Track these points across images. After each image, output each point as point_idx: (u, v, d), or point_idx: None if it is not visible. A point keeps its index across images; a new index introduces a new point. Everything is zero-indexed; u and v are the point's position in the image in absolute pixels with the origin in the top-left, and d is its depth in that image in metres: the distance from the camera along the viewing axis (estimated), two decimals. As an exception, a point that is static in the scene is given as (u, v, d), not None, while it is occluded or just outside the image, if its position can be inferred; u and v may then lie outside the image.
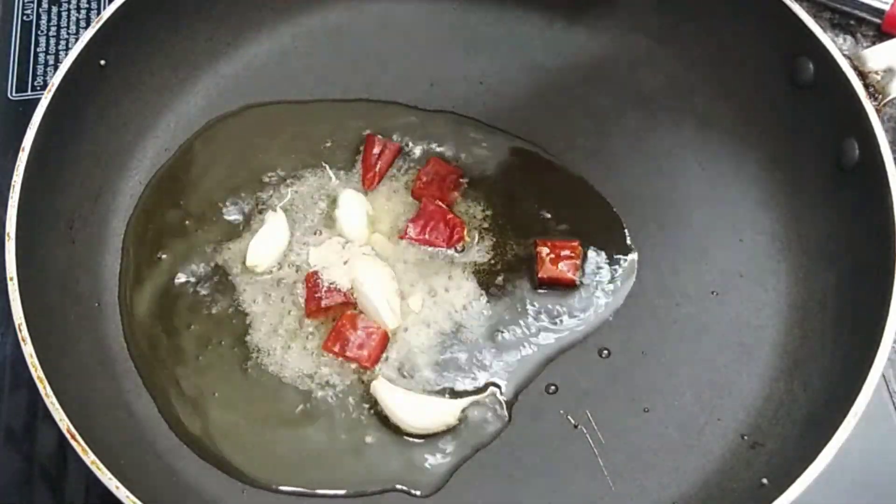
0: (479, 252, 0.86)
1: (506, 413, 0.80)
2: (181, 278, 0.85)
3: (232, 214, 0.88)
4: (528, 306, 0.84)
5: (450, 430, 0.79)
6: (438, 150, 0.91)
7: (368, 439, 0.79)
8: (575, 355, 0.82)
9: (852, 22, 1.04)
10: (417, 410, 0.78)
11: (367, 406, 0.80)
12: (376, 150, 0.90)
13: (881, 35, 1.03)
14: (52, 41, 1.04)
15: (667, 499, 0.77)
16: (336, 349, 0.81)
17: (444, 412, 0.78)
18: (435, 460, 0.78)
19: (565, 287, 0.84)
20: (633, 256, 0.86)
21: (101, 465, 0.68)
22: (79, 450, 0.69)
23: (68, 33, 1.05)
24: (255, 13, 0.96)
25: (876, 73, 0.82)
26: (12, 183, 0.78)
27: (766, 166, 0.89)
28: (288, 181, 0.90)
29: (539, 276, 0.84)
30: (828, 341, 0.79)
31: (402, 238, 0.86)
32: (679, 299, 0.85)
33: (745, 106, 0.91)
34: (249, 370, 0.81)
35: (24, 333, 0.72)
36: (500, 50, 0.97)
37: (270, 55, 0.97)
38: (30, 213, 0.78)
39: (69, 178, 0.85)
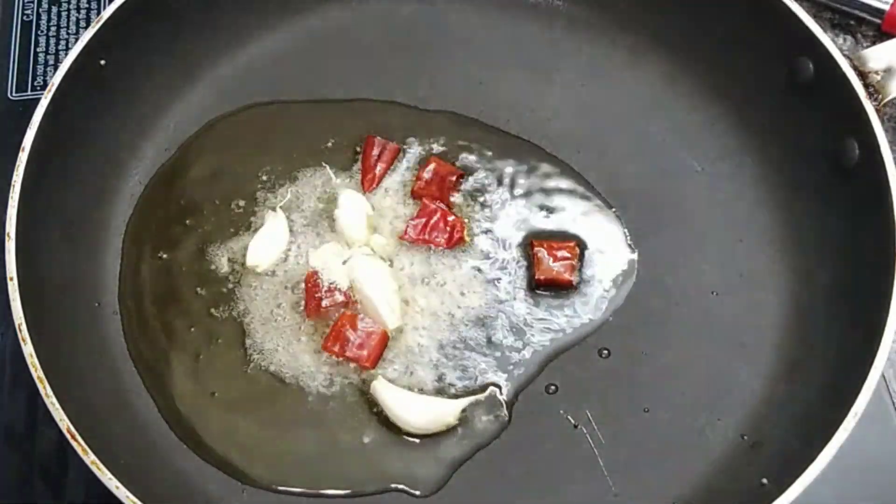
0: (479, 252, 0.86)
1: (506, 413, 0.80)
2: (181, 278, 0.85)
3: (232, 214, 0.88)
4: (528, 307, 0.84)
5: (450, 430, 0.79)
6: (438, 150, 0.91)
7: (368, 439, 0.79)
8: (575, 355, 0.82)
9: (852, 22, 1.04)
10: (417, 410, 0.78)
11: (367, 406, 0.80)
12: (376, 152, 0.90)
13: (881, 35, 1.03)
14: (52, 41, 1.04)
15: (667, 499, 0.77)
16: (336, 349, 0.81)
17: (443, 412, 0.78)
18: (435, 460, 0.78)
19: (562, 287, 0.84)
20: (633, 256, 0.86)
21: (101, 465, 0.68)
22: (79, 450, 0.69)
23: (68, 33, 1.05)
24: (255, 13, 0.96)
25: (876, 72, 0.81)
26: (12, 183, 0.78)
27: (766, 166, 0.89)
28: (288, 181, 0.90)
29: (536, 277, 0.84)
30: (828, 341, 0.79)
31: (402, 238, 0.86)
32: (679, 299, 0.85)
33: (745, 106, 0.91)
34: (249, 370, 0.81)
35: (24, 333, 0.72)
36: (500, 50, 0.97)
37: (270, 55, 0.97)
38: (30, 213, 0.78)
39: (69, 178, 0.84)
